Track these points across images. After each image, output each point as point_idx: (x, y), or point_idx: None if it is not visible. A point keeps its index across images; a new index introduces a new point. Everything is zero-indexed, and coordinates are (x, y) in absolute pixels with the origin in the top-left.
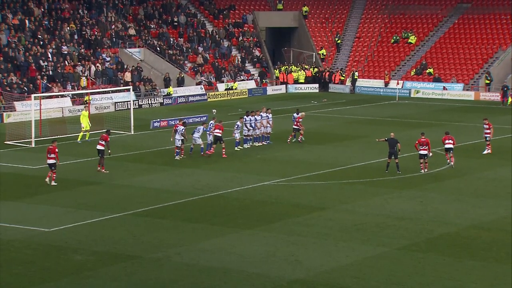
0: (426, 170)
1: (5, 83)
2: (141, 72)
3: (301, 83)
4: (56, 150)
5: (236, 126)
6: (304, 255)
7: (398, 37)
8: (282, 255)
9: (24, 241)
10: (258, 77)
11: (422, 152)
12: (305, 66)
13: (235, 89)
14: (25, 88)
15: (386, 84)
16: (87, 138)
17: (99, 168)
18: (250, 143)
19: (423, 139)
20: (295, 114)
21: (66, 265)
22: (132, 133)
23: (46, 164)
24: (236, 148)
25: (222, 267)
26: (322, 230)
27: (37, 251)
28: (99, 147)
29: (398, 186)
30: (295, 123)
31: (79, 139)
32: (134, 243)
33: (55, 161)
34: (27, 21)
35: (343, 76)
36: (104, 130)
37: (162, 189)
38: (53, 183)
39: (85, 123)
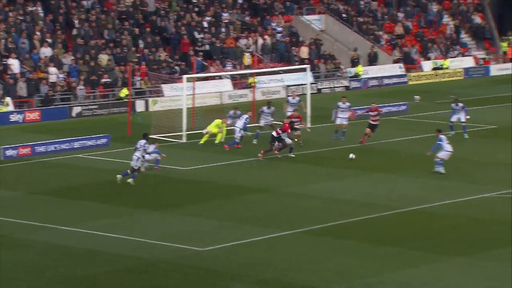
0: None
1: (152, 60)
2: (321, 46)
3: None
4: None
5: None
6: None
7: None
8: None
9: (173, 262)
10: (479, 53)
11: None
12: None
13: (446, 68)
14: (175, 67)
15: None
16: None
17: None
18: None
19: None
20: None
21: None
22: (309, 126)
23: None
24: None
25: None
26: None
27: (188, 275)
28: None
29: None
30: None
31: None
32: (310, 270)
33: None
34: None
35: None
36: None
37: (347, 200)
38: None
39: (212, 129)
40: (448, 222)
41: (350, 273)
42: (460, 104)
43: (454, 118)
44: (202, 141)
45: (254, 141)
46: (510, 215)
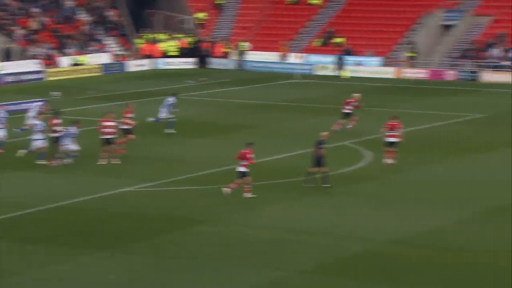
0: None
1: None
2: None
3: (173, 56)
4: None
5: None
6: (178, 283)
7: None
8: (149, 284)
9: None
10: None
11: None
12: (177, 35)
13: (84, 64)
14: None
15: (283, 57)
16: None
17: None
18: None
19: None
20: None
21: None
22: None
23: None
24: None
25: None
26: (203, 250)
27: None
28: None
29: (302, 191)
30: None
31: None
32: None
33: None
34: None
35: (228, 48)
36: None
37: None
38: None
39: None
40: (94, 217)
41: None
42: (171, 99)
43: (163, 113)
44: None
45: None
46: (147, 208)
